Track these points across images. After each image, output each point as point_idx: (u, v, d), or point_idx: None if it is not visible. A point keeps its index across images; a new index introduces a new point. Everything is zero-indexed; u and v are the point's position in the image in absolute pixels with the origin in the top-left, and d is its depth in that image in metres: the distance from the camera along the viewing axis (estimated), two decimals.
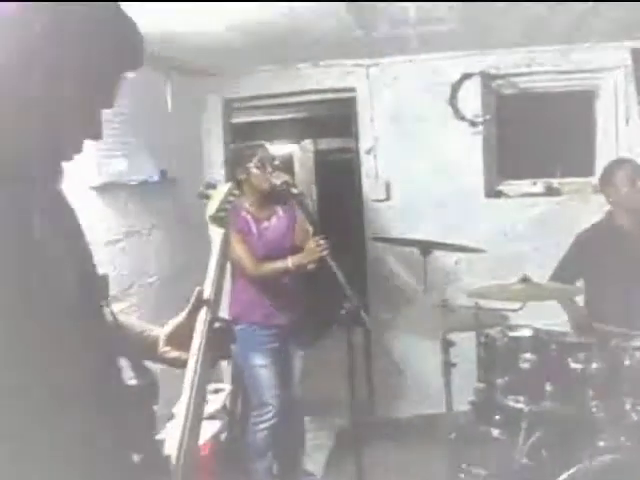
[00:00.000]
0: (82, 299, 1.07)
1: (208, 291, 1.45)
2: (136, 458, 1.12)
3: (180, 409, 1.29)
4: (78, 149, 1.10)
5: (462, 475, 3.21)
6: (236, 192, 1.64)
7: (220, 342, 1.41)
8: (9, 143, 1.02)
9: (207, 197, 1.61)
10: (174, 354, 1.43)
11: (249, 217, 3.56)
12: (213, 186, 1.64)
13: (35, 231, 1.01)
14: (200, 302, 1.42)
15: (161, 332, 1.47)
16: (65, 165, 1.13)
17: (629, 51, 4.35)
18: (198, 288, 1.45)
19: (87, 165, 3.20)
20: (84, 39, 1.03)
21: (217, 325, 1.40)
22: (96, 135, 1.11)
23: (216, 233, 1.55)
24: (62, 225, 1.11)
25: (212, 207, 1.57)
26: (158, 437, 1.24)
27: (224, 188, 1.62)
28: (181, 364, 1.39)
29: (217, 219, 1.56)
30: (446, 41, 4.19)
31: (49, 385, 0.97)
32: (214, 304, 1.43)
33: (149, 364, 1.30)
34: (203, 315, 1.41)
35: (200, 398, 1.32)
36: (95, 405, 1.05)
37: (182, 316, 1.45)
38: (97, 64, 1.06)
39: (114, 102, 1.12)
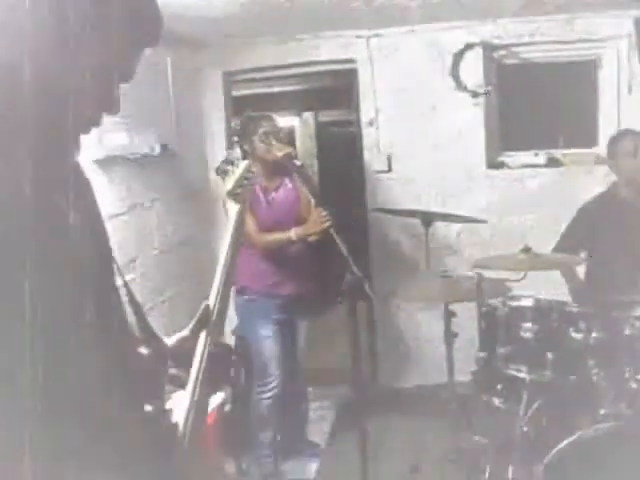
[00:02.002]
0: (99, 271, 1.08)
1: (220, 267, 1.45)
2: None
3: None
4: (97, 122, 1.11)
5: (464, 444, 3.26)
6: (253, 170, 1.66)
7: (218, 369, 1.40)
8: (29, 114, 1.02)
9: (225, 173, 1.63)
10: (173, 371, 1.41)
11: (257, 187, 3.56)
12: (231, 162, 1.66)
13: (55, 204, 1.02)
14: (205, 319, 1.40)
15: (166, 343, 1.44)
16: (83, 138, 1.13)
17: (632, 20, 4.31)
18: (205, 303, 1.43)
19: (88, 138, 3.19)
20: (105, 13, 1.04)
21: (215, 351, 1.39)
22: (114, 109, 1.12)
23: (232, 209, 1.57)
24: (81, 199, 1.12)
25: (229, 183, 1.59)
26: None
27: (242, 165, 1.64)
28: (179, 383, 1.38)
29: (234, 195, 1.58)
30: (447, 11, 4.15)
31: (66, 349, 0.99)
32: (216, 324, 1.42)
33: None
34: (203, 339, 1.39)
35: (199, 418, 1.32)
36: (107, 372, 1.06)
37: (186, 332, 1.43)
38: (117, 39, 1.06)
39: (132, 77, 1.12)
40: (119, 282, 1.23)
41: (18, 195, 0.97)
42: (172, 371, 1.41)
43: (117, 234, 3.51)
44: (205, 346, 1.38)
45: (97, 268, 1.09)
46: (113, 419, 1.06)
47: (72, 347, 1.00)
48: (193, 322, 1.42)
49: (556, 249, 3.62)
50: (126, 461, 1.06)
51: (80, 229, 1.06)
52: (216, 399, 3.61)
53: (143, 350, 1.21)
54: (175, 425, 1.25)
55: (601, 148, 4.50)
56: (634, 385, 2.72)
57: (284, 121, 7.41)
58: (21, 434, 0.94)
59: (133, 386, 1.13)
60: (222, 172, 1.64)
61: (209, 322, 1.40)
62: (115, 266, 1.20)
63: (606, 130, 4.50)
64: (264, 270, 3.57)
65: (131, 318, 1.25)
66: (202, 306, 1.42)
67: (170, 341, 1.43)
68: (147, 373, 1.20)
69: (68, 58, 1.03)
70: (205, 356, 1.37)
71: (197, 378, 1.35)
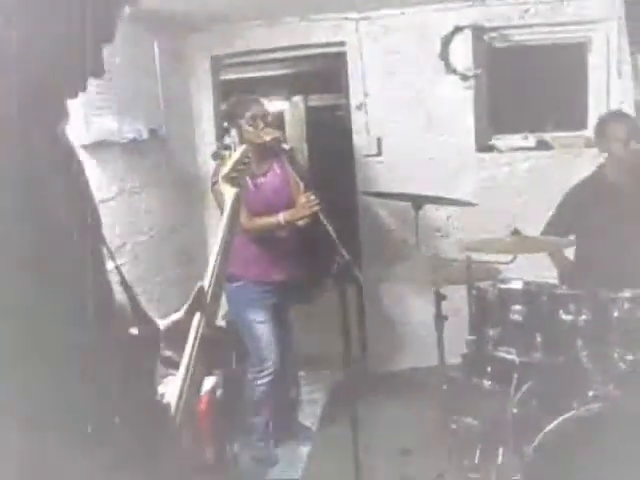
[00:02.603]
0: (89, 251, 1.08)
1: (215, 251, 1.45)
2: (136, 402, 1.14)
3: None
4: (82, 86, 1.10)
5: (454, 426, 3.28)
6: (249, 155, 1.67)
7: (212, 351, 1.40)
8: (13, 79, 1.01)
9: (222, 157, 1.65)
10: (167, 353, 1.41)
11: None
12: (228, 147, 1.68)
13: (39, 171, 1.01)
14: (199, 300, 1.40)
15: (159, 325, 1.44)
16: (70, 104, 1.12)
17: (622, 3, 4.30)
18: (199, 285, 1.43)
19: (76, 123, 3.17)
20: None
21: (209, 333, 1.39)
22: (99, 71, 1.12)
23: (228, 192, 1.59)
24: (64, 167, 1.11)
25: (226, 167, 1.61)
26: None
27: (239, 149, 1.65)
28: (172, 365, 1.38)
29: (230, 179, 1.59)
30: None
31: (56, 331, 0.98)
32: (211, 306, 1.42)
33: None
34: (197, 320, 1.39)
35: (192, 400, 1.32)
36: (99, 352, 1.06)
37: (180, 313, 1.43)
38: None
39: (114, 38, 1.12)
40: (111, 265, 1.22)
41: (5, 162, 0.96)
42: (165, 353, 1.42)
43: (106, 219, 3.49)
44: (199, 328, 1.38)
45: (88, 248, 1.08)
46: (104, 399, 1.05)
47: (62, 329, 1.00)
48: (187, 303, 1.41)
49: (545, 232, 3.63)
50: (116, 441, 1.06)
51: (67, 202, 1.05)
52: (208, 384, 3.62)
53: (134, 331, 1.21)
54: (167, 406, 1.25)
55: (590, 131, 4.49)
56: (623, 366, 2.74)
57: (274, 105, 7.40)
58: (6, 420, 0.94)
59: (124, 367, 1.13)
60: (218, 157, 1.66)
61: (203, 304, 1.40)
62: (106, 248, 1.20)
63: (596, 113, 4.50)
64: (253, 256, 3.56)
65: (123, 300, 1.25)
66: (196, 287, 1.42)
67: (163, 323, 1.43)
68: (139, 354, 1.20)
69: (51, 20, 1.02)
70: (199, 338, 1.37)
71: (190, 360, 1.35)
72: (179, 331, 1.39)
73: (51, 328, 0.99)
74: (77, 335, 1.03)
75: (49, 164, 1.04)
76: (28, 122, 1.02)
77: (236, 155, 1.62)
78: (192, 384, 1.31)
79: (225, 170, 1.61)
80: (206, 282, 1.43)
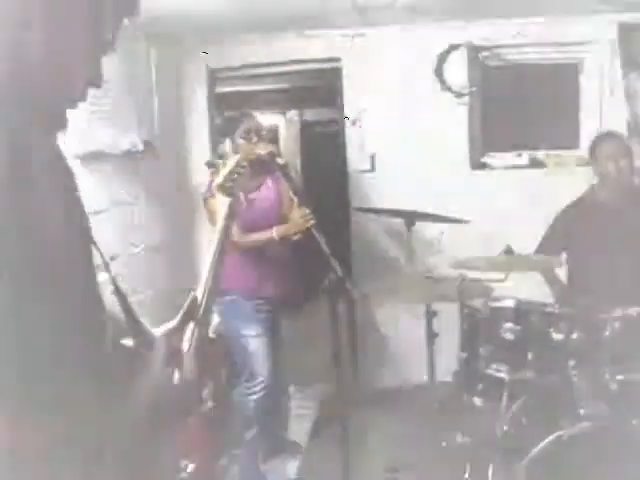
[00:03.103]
0: (79, 256, 1.07)
1: (205, 274, 1.45)
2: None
3: None
4: (83, 96, 1.10)
5: (445, 443, 3.27)
6: (244, 164, 1.67)
7: (203, 362, 1.40)
8: (12, 86, 1.02)
9: (215, 166, 1.65)
10: None
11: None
12: (222, 156, 1.68)
13: (34, 180, 1.01)
14: (192, 310, 1.38)
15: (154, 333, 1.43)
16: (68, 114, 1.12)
17: (615, 25, 4.34)
18: (192, 294, 1.42)
19: (71, 134, 3.17)
20: None
21: (201, 344, 1.39)
22: (97, 81, 1.12)
23: (222, 202, 1.58)
24: (60, 179, 1.11)
25: (220, 176, 1.60)
26: None
27: (233, 158, 1.65)
28: None
29: (224, 188, 1.59)
30: (432, 12, 4.16)
31: (43, 339, 0.98)
32: (204, 315, 1.43)
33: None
34: (190, 330, 1.39)
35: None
36: (88, 366, 1.05)
37: (173, 322, 1.41)
38: (98, 8, 1.06)
39: (113, 49, 1.12)
40: (104, 275, 1.22)
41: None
42: None
43: (99, 231, 3.47)
44: (192, 337, 1.38)
45: (79, 260, 1.07)
46: (93, 409, 1.05)
47: (51, 338, 0.99)
48: (181, 313, 1.40)
49: (538, 251, 3.64)
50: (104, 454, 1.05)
51: (61, 213, 1.04)
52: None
53: (129, 342, 1.20)
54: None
55: (583, 150, 4.53)
56: (614, 386, 2.74)
57: (269, 119, 7.43)
58: None
59: (116, 377, 1.12)
60: (212, 165, 1.66)
61: (196, 313, 1.40)
62: (101, 258, 1.19)
63: (588, 132, 4.53)
64: (246, 270, 3.55)
65: (117, 310, 1.24)
66: (190, 297, 1.41)
67: (158, 332, 1.41)
68: (133, 364, 1.19)
69: (54, 30, 1.03)
70: (192, 347, 1.37)
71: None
72: (172, 341, 1.37)
73: (39, 338, 0.98)
74: (66, 344, 1.02)
75: (46, 174, 1.04)
76: (27, 131, 1.02)
77: (230, 164, 1.62)
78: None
79: (219, 179, 1.61)
80: (199, 292, 1.42)
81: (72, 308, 1.03)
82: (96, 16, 1.07)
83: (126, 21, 1.14)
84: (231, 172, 1.60)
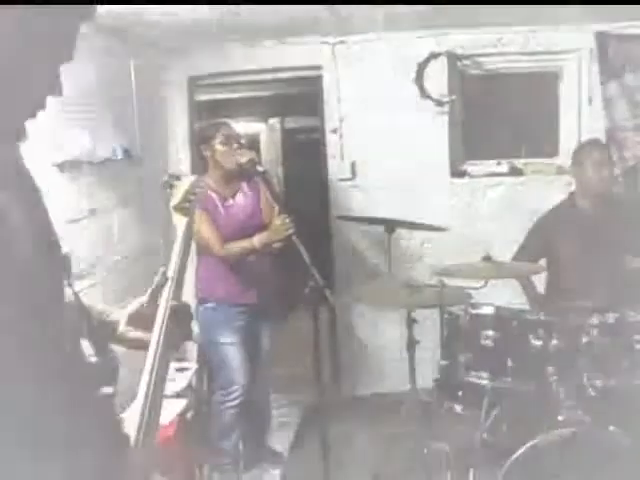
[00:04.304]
0: (43, 272, 1.05)
1: (171, 271, 1.47)
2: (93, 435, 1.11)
3: (141, 389, 1.30)
4: (42, 105, 1.09)
5: (426, 450, 3.27)
6: (202, 184, 1.68)
7: (180, 322, 1.42)
8: None
9: (171, 187, 1.65)
10: (135, 334, 1.44)
11: (214, 195, 3.53)
12: (177, 177, 1.69)
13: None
14: (164, 282, 1.44)
15: (123, 313, 1.48)
16: (28, 126, 1.11)
17: (593, 34, 4.39)
18: (162, 268, 1.47)
19: (49, 142, 3.15)
20: None
21: (176, 304, 1.43)
22: (58, 90, 1.10)
23: (180, 221, 1.59)
24: (22, 192, 1.09)
25: (176, 198, 1.61)
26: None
27: (189, 180, 1.66)
28: (142, 345, 1.40)
29: (181, 209, 1.60)
30: (413, 20, 4.19)
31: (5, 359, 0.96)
32: (176, 284, 1.46)
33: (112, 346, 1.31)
34: (165, 294, 1.43)
35: (161, 378, 1.34)
36: (51, 381, 1.03)
37: (145, 296, 1.47)
38: (55, 16, 1.05)
39: (72, 56, 1.11)
40: (74, 289, 1.21)
41: None
42: (133, 334, 1.47)
43: (77, 239, 3.46)
44: (167, 303, 1.42)
45: (42, 270, 1.06)
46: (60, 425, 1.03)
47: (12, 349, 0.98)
48: (152, 287, 1.46)
49: (516, 257, 3.66)
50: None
51: (22, 226, 1.03)
52: (178, 407, 3.59)
53: (92, 359, 1.20)
54: (127, 436, 1.22)
55: (562, 158, 4.58)
56: (592, 392, 2.76)
57: (249, 127, 7.43)
58: None
59: (80, 396, 1.10)
60: (168, 186, 1.67)
61: (167, 286, 1.45)
62: (67, 274, 1.18)
63: (567, 141, 4.58)
64: (226, 278, 3.54)
65: (82, 327, 1.24)
66: (159, 271, 1.46)
67: (131, 306, 1.48)
68: (95, 382, 1.18)
69: (15, 41, 1.01)
70: (167, 313, 1.40)
71: (160, 335, 1.37)
72: (146, 313, 1.44)
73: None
74: (31, 360, 1.00)
75: (10, 187, 1.02)
76: None
77: (184, 186, 1.64)
78: (162, 359, 1.33)
79: (175, 200, 1.62)
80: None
81: (37, 324, 1.02)
82: (54, 25, 1.06)
83: (85, 27, 1.12)
84: (186, 193, 1.61)
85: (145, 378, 1.31)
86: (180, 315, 1.43)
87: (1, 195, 0.99)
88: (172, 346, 1.40)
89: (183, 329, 1.45)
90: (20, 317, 0.98)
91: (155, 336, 1.37)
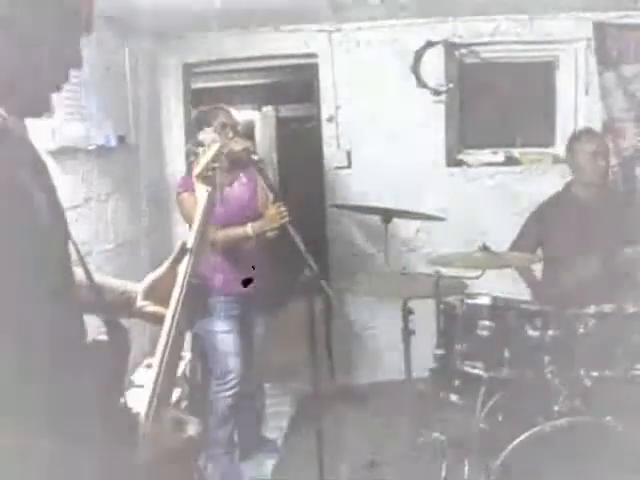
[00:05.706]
0: (61, 252, 1.04)
1: (190, 243, 1.44)
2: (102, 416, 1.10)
3: (154, 363, 1.28)
4: (66, 78, 1.08)
5: (421, 440, 3.27)
6: (225, 151, 1.61)
7: (196, 298, 1.39)
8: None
9: (195, 155, 1.59)
10: (152, 308, 1.42)
11: None
12: (202, 144, 1.61)
13: (19, 177, 0.99)
14: (183, 254, 1.41)
15: (139, 286, 1.45)
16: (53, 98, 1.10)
17: (591, 24, 4.37)
18: (182, 240, 1.44)
19: (43, 129, 3.12)
20: None
21: (194, 281, 1.39)
22: (78, 62, 1.10)
23: (202, 192, 1.53)
24: (41, 175, 1.08)
25: (200, 165, 1.54)
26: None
27: (214, 147, 1.58)
28: (157, 320, 1.37)
29: (204, 177, 1.53)
30: (410, 8, 4.16)
31: (17, 340, 0.95)
32: (196, 257, 1.42)
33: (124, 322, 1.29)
34: (184, 268, 1.40)
35: (175, 355, 1.32)
36: (63, 361, 1.03)
37: (163, 268, 1.44)
38: None
39: (93, 28, 1.11)
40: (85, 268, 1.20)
41: None
42: (150, 308, 1.43)
43: (71, 226, 3.43)
44: (185, 276, 1.38)
45: (55, 256, 1.06)
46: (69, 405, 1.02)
47: (24, 338, 0.97)
48: (170, 259, 1.43)
49: (513, 247, 3.66)
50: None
51: (43, 208, 1.02)
52: (173, 396, 3.58)
53: (103, 337, 1.18)
54: (136, 415, 1.22)
55: (558, 148, 4.57)
56: (588, 382, 2.76)
57: (244, 115, 7.39)
58: None
59: (91, 375, 1.10)
60: (192, 154, 1.61)
61: (186, 257, 1.41)
62: (76, 251, 1.18)
63: (563, 130, 4.57)
64: (220, 266, 3.52)
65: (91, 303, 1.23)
66: (179, 243, 1.43)
67: (145, 281, 1.45)
68: (107, 360, 1.17)
69: (35, 14, 1.01)
70: (185, 286, 1.37)
71: (176, 309, 1.34)
72: (163, 286, 1.40)
73: (10, 337, 0.95)
74: (40, 342, 0.99)
75: (25, 162, 1.02)
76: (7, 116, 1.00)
77: (210, 153, 1.56)
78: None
79: (199, 169, 1.55)
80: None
81: (47, 305, 1.01)
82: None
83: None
84: (211, 161, 1.54)
85: (159, 354, 1.29)
86: (198, 290, 1.40)
87: (26, 177, 0.99)
88: (188, 323, 1.37)
89: (200, 305, 1.42)
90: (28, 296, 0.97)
91: (171, 310, 1.34)
